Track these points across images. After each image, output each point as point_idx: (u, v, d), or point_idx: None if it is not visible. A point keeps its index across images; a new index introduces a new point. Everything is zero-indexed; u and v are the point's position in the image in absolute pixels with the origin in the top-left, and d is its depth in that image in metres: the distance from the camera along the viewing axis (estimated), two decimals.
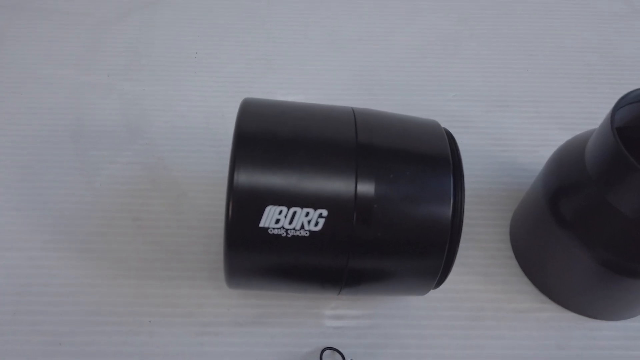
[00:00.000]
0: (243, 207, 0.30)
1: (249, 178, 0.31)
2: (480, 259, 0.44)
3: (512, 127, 0.53)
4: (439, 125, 0.36)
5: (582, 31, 0.62)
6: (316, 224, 0.31)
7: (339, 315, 0.40)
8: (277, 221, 0.31)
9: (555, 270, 0.40)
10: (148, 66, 0.56)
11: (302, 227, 0.31)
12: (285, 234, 0.31)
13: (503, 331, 0.40)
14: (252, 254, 0.32)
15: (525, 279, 0.43)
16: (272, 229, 0.31)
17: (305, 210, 0.31)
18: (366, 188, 0.31)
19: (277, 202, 0.30)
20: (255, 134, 0.32)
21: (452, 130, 0.52)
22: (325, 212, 0.31)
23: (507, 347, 0.39)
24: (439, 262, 0.33)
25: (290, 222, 0.31)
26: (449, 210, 0.32)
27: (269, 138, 0.32)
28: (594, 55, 0.60)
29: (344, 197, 0.31)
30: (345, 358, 0.38)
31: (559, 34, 0.62)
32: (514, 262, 0.44)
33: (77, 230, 0.43)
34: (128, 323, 0.39)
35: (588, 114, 0.54)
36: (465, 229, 0.45)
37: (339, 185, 0.31)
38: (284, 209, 0.31)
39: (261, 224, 0.31)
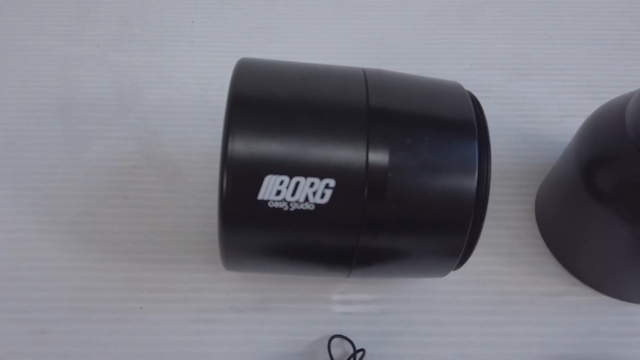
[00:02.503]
0: (239, 177, 0.27)
1: (245, 144, 0.27)
2: (504, 239, 0.40)
3: (536, 96, 0.48)
4: (461, 87, 0.32)
5: None
6: (322, 195, 0.27)
7: (348, 300, 0.37)
8: (278, 193, 0.27)
9: (588, 250, 0.36)
10: (141, 36, 0.52)
11: (307, 199, 0.27)
12: (287, 207, 0.27)
13: (530, 317, 0.36)
14: (250, 231, 0.28)
15: (553, 260, 0.39)
16: (272, 202, 0.27)
17: (310, 180, 0.27)
18: (379, 155, 0.27)
19: (277, 171, 0.27)
20: (252, 95, 0.28)
21: None
22: (332, 183, 0.27)
23: (534, 334, 0.35)
24: (462, 240, 0.29)
25: (293, 194, 0.27)
26: (473, 181, 0.28)
27: (268, 100, 0.28)
28: (625, 19, 0.55)
29: (355, 166, 0.27)
30: (356, 347, 0.34)
31: None
32: (541, 241, 0.40)
33: (63, 210, 0.40)
34: (117, 310, 0.35)
35: (620, 82, 0.49)
36: (489, 206, 0.42)
37: (348, 152, 0.27)
38: (286, 178, 0.27)
39: (260, 196, 0.27)
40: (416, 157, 0.28)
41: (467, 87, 0.48)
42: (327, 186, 0.27)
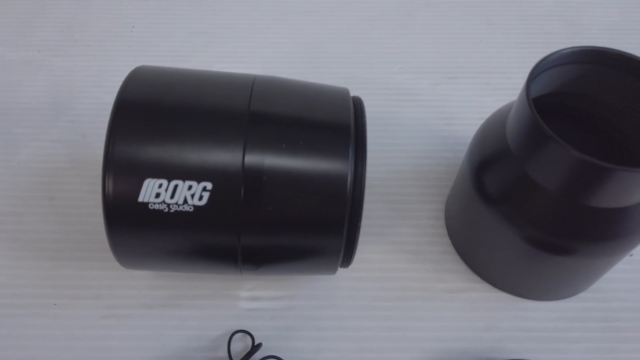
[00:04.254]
0: (119, 181, 0.28)
1: (125, 149, 0.28)
2: (411, 237, 0.41)
3: (459, 99, 0.50)
4: (347, 93, 0.33)
5: None
6: (200, 198, 0.29)
7: (255, 297, 0.38)
8: (158, 195, 0.28)
9: (484, 249, 0.38)
10: (81, 41, 0.54)
11: (185, 201, 0.29)
12: (167, 209, 0.29)
13: (429, 312, 0.38)
14: (135, 232, 0.29)
15: (457, 258, 0.40)
16: (152, 204, 0.28)
17: (188, 183, 0.28)
18: (255, 159, 0.29)
19: (156, 174, 0.28)
20: (137, 102, 0.30)
21: (395, 104, 0.50)
22: (209, 186, 0.29)
23: (431, 328, 0.37)
24: (339, 240, 0.30)
25: (172, 197, 0.28)
26: (346, 184, 0.29)
27: (153, 106, 0.30)
28: (557, 23, 0.57)
29: (231, 169, 0.29)
30: (257, 341, 0.36)
31: (521, 1, 0.59)
32: (448, 240, 0.41)
33: None
34: (32, 306, 0.37)
35: None
36: (399, 206, 0.43)
37: (224, 156, 0.29)
38: (164, 182, 0.28)
39: (140, 199, 0.28)
40: (291, 160, 0.29)
41: (394, 90, 0.51)
42: (204, 189, 0.29)
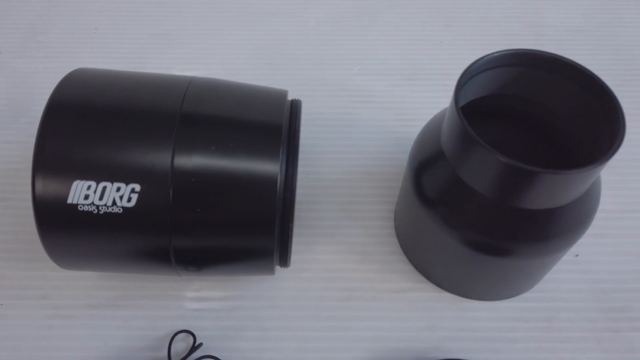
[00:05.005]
0: (49, 182, 0.29)
1: (54, 151, 0.29)
2: (361, 238, 0.42)
3: (416, 101, 0.50)
4: (284, 95, 0.34)
5: (507, 0, 0.59)
6: (129, 199, 0.29)
7: (201, 297, 0.39)
8: (86, 197, 0.29)
9: (428, 250, 0.38)
10: (44, 43, 0.54)
11: (114, 203, 0.29)
12: (96, 210, 0.29)
13: (372, 312, 0.38)
14: (66, 233, 0.30)
15: (404, 258, 0.41)
16: (81, 206, 0.29)
17: (116, 185, 0.29)
18: (183, 161, 0.29)
19: (84, 176, 0.29)
20: (69, 104, 0.30)
21: (352, 106, 0.50)
22: (138, 187, 0.29)
23: (372, 328, 0.37)
24: (271, 241, 0.31)
25: (101, 198, 0.29)
26: (276, 186, 0.30)
27: (84, 108, 0.30)
28: (517, 25, 0.57)
29: (159, 171, 0.29)
30: (200, 341, 0.36)
31: (482, 3, 0.59)
32: (396, 240, 0.42)
33: None
34: None
35: None
36: (351, 206, 0.44)
37: (153, 158, 0.29)
38: (93, 183, 0.29)
39: (69, 201, 0.29)
40: (221, 162, 0.30)
41: (353, 91, 0.51)
42: (133, 190, 0.29)
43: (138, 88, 0.31)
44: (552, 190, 0.30)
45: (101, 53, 0.53)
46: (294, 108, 0.33)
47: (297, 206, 0.43)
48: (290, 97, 0.49)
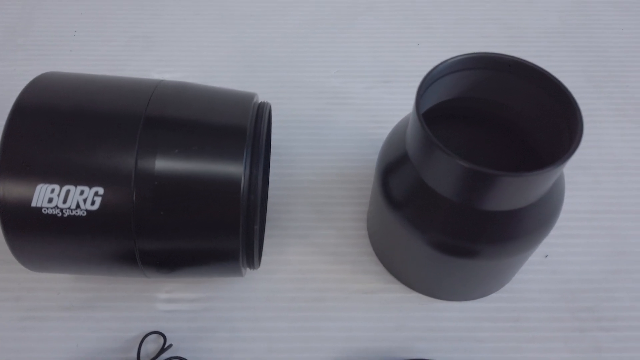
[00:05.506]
0: (13, 186, 0.29)
1: (18, 154, 0.29)
2: (333, 239, 0.42)
3: (392, 103, 0.51)
4: (251, 98, 0.34)
5: (486, 2, 0.60)
6: (92, 202, 0.29)
7: (173, 299, 0.39)
8: (50, 200, 0.29)
9: (397, 251, 0.38)
10: (24, 46, 0.54)
11: (78, 206, 0.29)
12: (60, 213, 0.29)
13: (342, 312, 0.38)
14: (31, 236, 0.30)
15: (375, 259, 0.41)
16: (45, 209, 0.29)
17: (80, 188, 0.29)
18: (147, 164, 0.29)
19: (48, 179, 0.29)
20: (34, 107, 0.30)
21: (328, 108, 0.51)
22: (101, 190, 0.29)
23: (342, 329, 0.38)
24: (236, 243, 0.31)
25: (65, 201, 0.29)
26: (239, 188, 0.30)
27: (49, 112, 0.30)
28: (495, 27, 0.58)
29: (122, 174, 0.29)
30: (171, 342, 0.36)
31: (461, 6, 0.60)
32: (368, 241, 0.42)
33: None
34: None
35: None
36: (324, 208, 0.44)
37: (116, 161, 0.29)
38: (57, 187, 0.29)
39: (33, 204, 0.29)
40: (184, 165, 0.30)
41: (330, 94, 0.51)
42: (96, 194, 0.29)
43: (104, 92, 0.32)
44: (513, 192, 0.31)
45: (81, 56, 0.54)
46: (261, 110, 0.33)
47: (270, 207, 0.44)
48: (266, 100, 0.49)
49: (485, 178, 0.29)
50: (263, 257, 0.41)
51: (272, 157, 0.46)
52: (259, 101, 0.36)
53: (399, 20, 0.58)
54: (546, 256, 0.41)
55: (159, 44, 0.55)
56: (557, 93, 0.31)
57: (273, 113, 0.50)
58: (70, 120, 0.30)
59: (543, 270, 0.41)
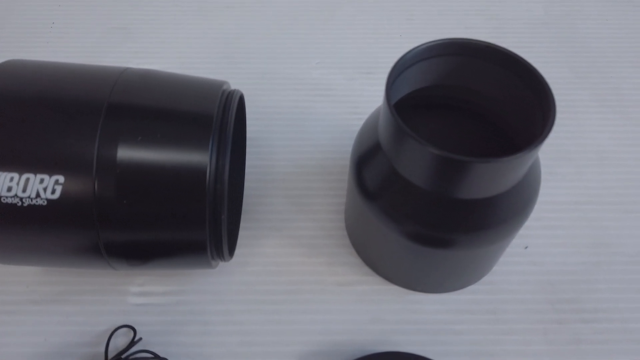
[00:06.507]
0: None
1: None
2: (311, 231, 0.41)
3: (373, 94, 0.50)
4: (219, 86, 0.33)
5: None
6: (53, 191, 0.28)
7: (145, 292, 0.38)
8: (9, 189, 0.28)
9: (374, 243, 0.38)
10: (0, 38, 0.54)
11: (38, 195, 0.28)
12: (20, 202, 0.28)
13: (318, 305, 0.38)
14: None
15: (353, 251, 0.40)
16: (5, 198, 0.28)
17: (40, 176, 0.28)
18: (108, 152, 0.29)
19: (7, 167, 0.28)
20: None
21: (309, 99, 0.50)
22: (61, 179, 0.28)
23: (317, 321, 0.37)
24: (203, 234, 0.30)
25: (24, 190, 0.28)
26: (205, 177, 0.29)
27: (10, 99, 0.29)
28: (478, 18, 0.57)
29: (83, 162, 0.28)
30: (142, 336, 0.36)
31: None
32: (345, 233, 0.41)
33: None
34: None
35: None
36: (302, 200, 0.43)
37: (77, 149, 0.28)
38: (15, 175, 0.28)
39: None
40: (147, 154, 0.29)
41: (310, 85, 0.51)
42: (57, 182, 0.28)
43: (68, 79, 0.31)
44: (486, 179, 0.30)
45: (58, 47, 0.53)
46: (230, 98, 0.33)
47: (247, 200, 0.43)
48: (246, 92, 0.49)
49: (458, 165, 0.28)
50: (238, 250, 0.40)
51: (250, 149, 0.46)
52: (230, 89, 0.35)
53: (380, 11, 0.57)
54: (526, 247, 0.41)
55: (137, 36, 0.54)
56: (529, 78, 0.31)
57: (252, 105, 0.49)
58: (31, 108, 0.29)
59: (523, 261, 0.40)
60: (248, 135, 0.46)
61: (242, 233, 0.41)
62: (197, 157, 0.29)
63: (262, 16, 0.57)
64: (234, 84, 0.50)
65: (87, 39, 0.54)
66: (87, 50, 0.53)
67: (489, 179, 0.30)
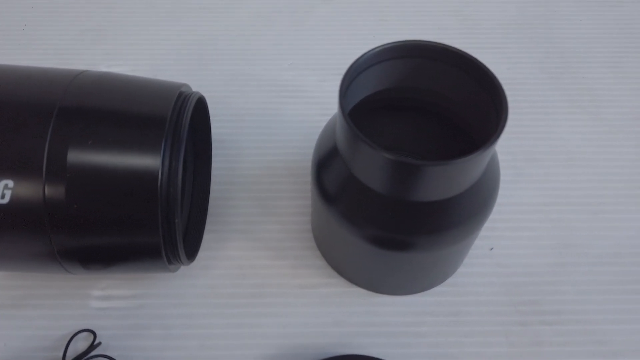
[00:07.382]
0: None
1: None
2: (277, 233, 0.41)
3: None
4: (177, 89, 0.33)
5: None
6: (2, 196, 0.28)
7: (107, 296, 0.38)
8: None
9: (336, 246, 0.37)
10: None
11: None
12: None
13: (280, 308, 0.38)
14: None
15: (318, 254, 0.40)
16: None
17: None
18: (58, 156, 0.28)
19: None
20: None
21: (280, 101, 0.50)
22: (10, 183, 0.28)
23: (279, 324, 0.37)
24: (156, 238, 0.30)
25: None
26: (157, 180, 0.29)
27: None
28: (452, 19, 0.57)
29: (33, 166, 0.28)
30: (101, 340, 0.35)
31: None
32: (311, 236, 0.41)
33: None
34: None
35: None
36: (269, 202, 0.43)
37: (27, 153, 0.28)
38: None
39: None
40: (98, 157, 0.29)
41: (282, 86, 0.50)
42: (6, 187, 0.28)
43: (22, 82, 0.31)
44: (441, 181, 0.30)
45: (30, 49, 0.53)
46: (186, 101, 0.32)
47: (213, 202, 0.43)
48: (217, 94, 0.48)
49: (411, 169, 0.28)
50: (203, 253, 0.40)
51: (218, 151, 0.46)
52: (190, 92, 0.35)
53: (354, 12, 0.57)
54: (491, 249, 0.41)
55: (109, 38, 0.54)
56: (484, 79, 0.31)
57: (223, 107, 0.49)
58: None
59: (487, 263, 0.40)
60: (216, 137, 0.46)
61: (207, 236, 0.41)
62: (148, 161, 0.29)
63: (236, 18, 0.56)
64: (206, 86, 0.50)
65: (59, 41, 0.53)
66: (59, 53, 0.52)
67: (444, 181, 0.30)
